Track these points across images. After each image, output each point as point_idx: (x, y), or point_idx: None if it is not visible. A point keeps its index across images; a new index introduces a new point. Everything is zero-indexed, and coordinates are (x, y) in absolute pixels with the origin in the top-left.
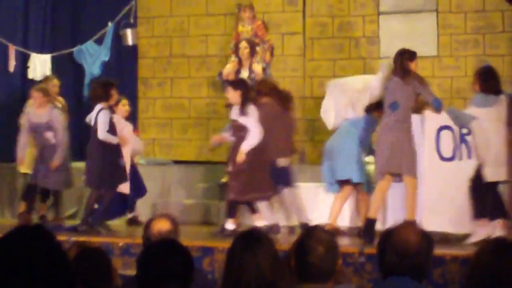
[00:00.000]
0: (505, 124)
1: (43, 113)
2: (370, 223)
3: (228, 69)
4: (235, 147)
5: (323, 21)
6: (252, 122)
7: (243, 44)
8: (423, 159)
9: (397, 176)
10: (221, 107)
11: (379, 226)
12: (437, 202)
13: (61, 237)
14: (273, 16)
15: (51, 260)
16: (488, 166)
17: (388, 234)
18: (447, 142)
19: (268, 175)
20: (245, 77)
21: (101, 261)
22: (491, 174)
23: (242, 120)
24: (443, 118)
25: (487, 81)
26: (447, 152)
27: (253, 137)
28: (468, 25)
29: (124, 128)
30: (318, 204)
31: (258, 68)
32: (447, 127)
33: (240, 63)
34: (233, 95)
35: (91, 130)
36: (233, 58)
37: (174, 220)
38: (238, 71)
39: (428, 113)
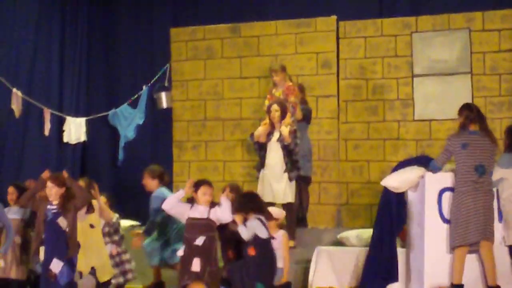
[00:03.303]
0: None
1: None
2: None
3: (260, 131)
4: None
5: (357, 84)
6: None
7: (274, 107)
8: (425, 222)
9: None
10: (255, 170)
11: None
12: (439, 264)
13: None
14: (307, 79)
15: None
16: (508, 229)
17: None
18: (449, 204)
19: None
20: (276, 139)
21: None
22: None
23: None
24: (445, 180)
25: None
26: (449, 214)
27: None
28: (503, 87)
29: None
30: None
31: (285, 131)
32: (448, 189)
33: (272, 125)
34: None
35: None
36: (266, 119)
37: (208, 284)
38: (270, 133)
39: (429, 175)
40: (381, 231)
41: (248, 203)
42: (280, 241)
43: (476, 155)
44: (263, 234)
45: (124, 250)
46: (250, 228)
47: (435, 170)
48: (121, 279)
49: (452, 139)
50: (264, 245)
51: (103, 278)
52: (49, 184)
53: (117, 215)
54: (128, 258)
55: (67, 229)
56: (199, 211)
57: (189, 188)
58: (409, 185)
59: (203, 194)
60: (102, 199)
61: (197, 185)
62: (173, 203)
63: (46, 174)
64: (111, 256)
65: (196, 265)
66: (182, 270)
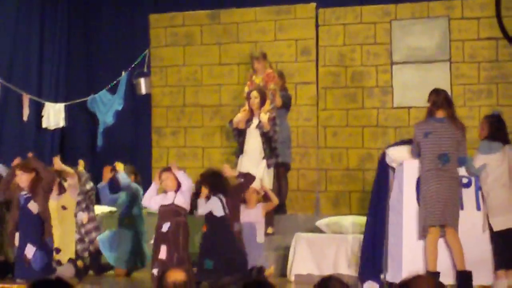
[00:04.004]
0: (509, 172)
1: None
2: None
3: (239, 117)
4: None
5: (336, 71)
6: None
7: (254, 93)
8: (403, 209)
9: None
10: (234, 157)
11: None
12: (417, 251)
13: None
14: (286, 66)
15: None
16: (494, 216)
17: (404, 286)
18: None
19: None
20: (255, 126)
21: None
22: (498, 224)
23: None
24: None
25: (496, 128)
26: None
27: None
28: (482, 75)
29: None
30: (333, 254)
31: (264, 118)
32: None
33: (252, 111)
34: None
35: None
36: (246, 106)
37: (189, 271)
38: (249, 120)
39: (408, 162)
40: (375, 218)
41: (214, 180)
42: (258, 214)
43: (440, 143)
44: (219, 212)
45: (92, 216)
46: (208, 204)
47: (414, 156)
48: (78, 247)
49: (416, 128)
50: (217, 223)
51: (64, 259)
52: (17, 172)
53: (91, 184)
54: (96, 225)
55: (39, 212)
56: (168, 198)
57: (158, 178)
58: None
59: (163, 181)
60: (80, 162)
61: (160, 174)
62: (149, 197)
63: (16, 162)
64: (82, 225)
65: (162, 252)
66: (153, 258)
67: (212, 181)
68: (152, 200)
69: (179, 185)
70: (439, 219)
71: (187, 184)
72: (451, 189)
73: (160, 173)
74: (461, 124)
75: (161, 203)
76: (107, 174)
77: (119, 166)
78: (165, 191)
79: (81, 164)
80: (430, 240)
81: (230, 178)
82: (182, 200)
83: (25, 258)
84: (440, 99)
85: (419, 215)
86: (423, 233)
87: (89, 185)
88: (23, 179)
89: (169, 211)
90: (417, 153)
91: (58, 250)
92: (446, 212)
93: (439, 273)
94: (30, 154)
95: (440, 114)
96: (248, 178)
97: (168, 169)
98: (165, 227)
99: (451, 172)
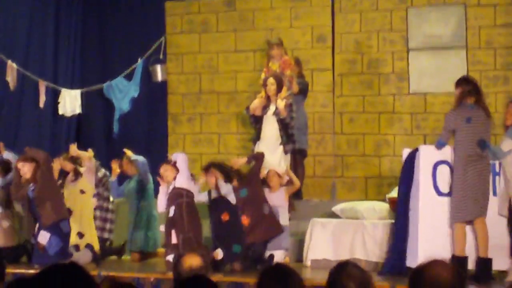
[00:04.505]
0: None
1: None
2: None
3: (255, 104)
4: None
5: (352, 58)
6: None
7: (270, 80)
8: (420, 195)
9: None
10: (250, 143)
11: None
12: (434, 237)
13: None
14: (302, 53)
15: None
16: None
17: (420, 270)
18: (444, 177)
19: None
20: (272, 112)
21: None
22: None
23: None
24: (440, 153)
25: None
26: (444, 187)
27: None
28: (498, 61)
29: None
30: (349, 239)
31: (281, 104)
32: (443, 162)
33: (268, 98)
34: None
35: None
36: (262, 93)
37: (205, 256)
38: (265, 106)
39: (423, 148)
40: (406, 204)
41: (224, 169)
42: (281, 197)
43: (479, 130)
44: (233, 199)
45: (106, 207)
46: (228, 188)
47: (441, 146)
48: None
49: (454, 114)
50: (236, 211)
51: (83, 244)
52: (19, 165)
53: (103, 171)
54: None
55: (35, 194)
56: (171, 187)
57: (159, 178)
58: None
59: (163, 176)
60: (89, 151)
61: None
62: (162, 202)
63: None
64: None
65: (174, 237)
66: (165, 244)
67: (223, 169)
68: (162, 198)
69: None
70: (471, 214)
71: (181, 157)
72: (486, 178)
73: (158, 175)
74: (489, 111)
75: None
76: (115, 168)
77: (128, 152)
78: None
79: (90, 152)
80: (459, 227)
81: (242, 166)
82: (182, 180)
83: (40, 245)
84: (470, 87)
85: (451, 202)
86: (452, 221)
87: (101, 172)
88: (25, 170)
89: (172, 196)
90: (447, 140)
91: (81, 235)
92: (478, 207)
93: (467, 257)
94: (26, 148)
95: (471, 101)
96: (258, 157)
97: (165, 162)
98: (171, 211)
99: (487, 158)
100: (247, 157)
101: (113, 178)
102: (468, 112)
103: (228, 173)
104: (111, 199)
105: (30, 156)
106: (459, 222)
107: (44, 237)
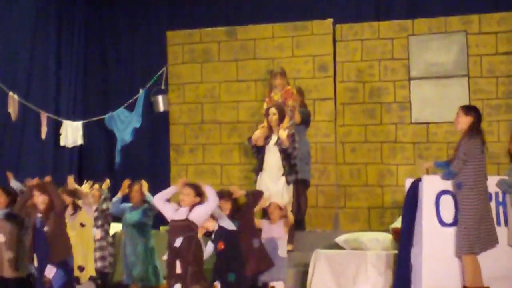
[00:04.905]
0: None
1: None
2: None
3: (257, 134)
4: None
5: (354, 87)
6: None
7: (272, 110)
8: (423, 225)
9: None
10: (253, 174)
11: None
12: (438, 267)
13: None
14: (304, 82)
15: None
16: None
17: None
18: (448, 207)
19: None
20: (274, 142)
21: None
22: None
23: None
24: (443, 183)
25: None
26: (447, 218)
27: None
28: (500, 90)
29: None
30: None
31: (283, 135)
32: (447, 192)
33: (270, 128)
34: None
35: None
36: (265, 123)
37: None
38: (267, 137)
39: (427, 178)
40: (410, 235)
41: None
42: (280, 229)
43: (484, 161)
44: (232, 226)
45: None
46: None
47: (451, 177)
48: (98, 264)
49: (475, 143)
50: (233, 238)
51: (85, 277)
52: (35, 192)
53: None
54: (110, 242)
55: (47, 233)
56: (180, 213)
57: (180, 186)
58: None
59: (182, 194)
60: (106, 181)
61: (184, 186)
62: (163, 199)
63: (34, 182)
64: (95, 240)
65: (178, 267)
66: (169, 275)
67: (234, 202)
68: (166, 205)
69: (193, 204)
70: (485, 247)
71: (215, 203)
72: (490, 207)
73: (184, 184)
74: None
75: (172, 217)
76: (125, 187)
77: (145, 185)
78: (178, 204)
79: (106, 183)
80: (472, 258)
81: (240, 198)
82: (197, 216)
83: (46, 278)
84: (479, 116)
85: (461, 236)
86: (460, 253)
87: (106, 205)
88: (40, 200)
89: (181, 226)
90: (460, 170)
91: (82, 268)
92: (490, 236)
93: None
94: (48, 178)
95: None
96: (256, 194)
97: (193, 185)
98: (178, 242)
99: (487, 189)
100: (246, 191)
101: (120, 195)
102: (482, 141)
103: (237, 207)
104: (110, 233)
105: (48, 190)
106: (470, 253)
107: (50, 271)
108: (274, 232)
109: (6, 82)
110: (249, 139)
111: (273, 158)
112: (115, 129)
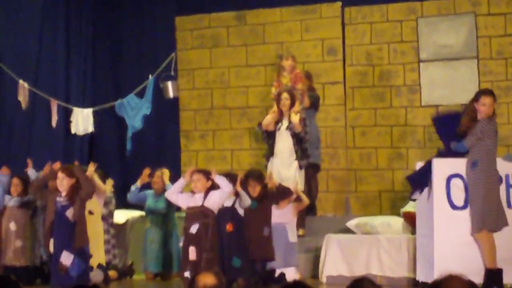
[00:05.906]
0: None
1: None
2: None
3: (268, 119)
4: None
5: (363, 70)
6: None
7: (285, 95)
8: (434, 208)
9: None
10: (263, 159)
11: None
12: (449, 252)
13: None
14: (313, 66)
15: None
16: None
17: (437, 285)
18: (458, 190)
19: None
20: (285, 127)
21: None
22: None
23: None
24: (453, 166)
25: None
26: (458, 201)
27: None
28: (509, 71)
29: None
30: (364, 255)
31: (295, 118)
32: (457, 175)
33: (281, 113)
34: None
35: None
36: (274, 107)
37: (219, 275)
38: (278, 121)
39: (437, 161)
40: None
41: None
42: (289, 214)
43: (496, 142)
44: (241, 211)
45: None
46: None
47: (462, 149)
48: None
49: (489, 124)
50: (241, 222)
51: (94, 264)
52: (60, 175)
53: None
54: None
55: (76, 220)
56: (195, 200)
57: (188, 177)
58: None
59: (194, 182)
60: (108, 182)
61: (192, 174)
62: (175, 192)
63: (57, 165)
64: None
65: (192, 253)
66: (183, 261)
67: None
68: (179, 197)
69: (208, 189)
70: (502, 224)
71: (229, 190)
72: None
73: (192, 172)
74: None
75: (188, 205)
76: (145, 176)
77: (166, 174)
78: (192, 191)
79: (109, 183)
80: (488, 237)
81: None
82: (213, 203)
83: (62, 266)
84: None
85: (475, 213)
86: (474, 232)
87: (112, 205)
88: (64, 183)
89: (197, 213)
90: (471, 147)
91: (101, 265)
92: (500, 217)
93: (501, 269)
94: (76, 163)
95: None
96: (287, 192)
97: (201, 170)
98: (194, 228)
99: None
100: (279, 184)
101: (139, 184)
102: (495, 123)
103: (264, 193)
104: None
105: (75, 173)
106: (486, 231)
107: (67, 258)
108: (283, 217)
109: (16, 70)
110: (259, 124)
111: (284, 143)
112: (126, 116)
